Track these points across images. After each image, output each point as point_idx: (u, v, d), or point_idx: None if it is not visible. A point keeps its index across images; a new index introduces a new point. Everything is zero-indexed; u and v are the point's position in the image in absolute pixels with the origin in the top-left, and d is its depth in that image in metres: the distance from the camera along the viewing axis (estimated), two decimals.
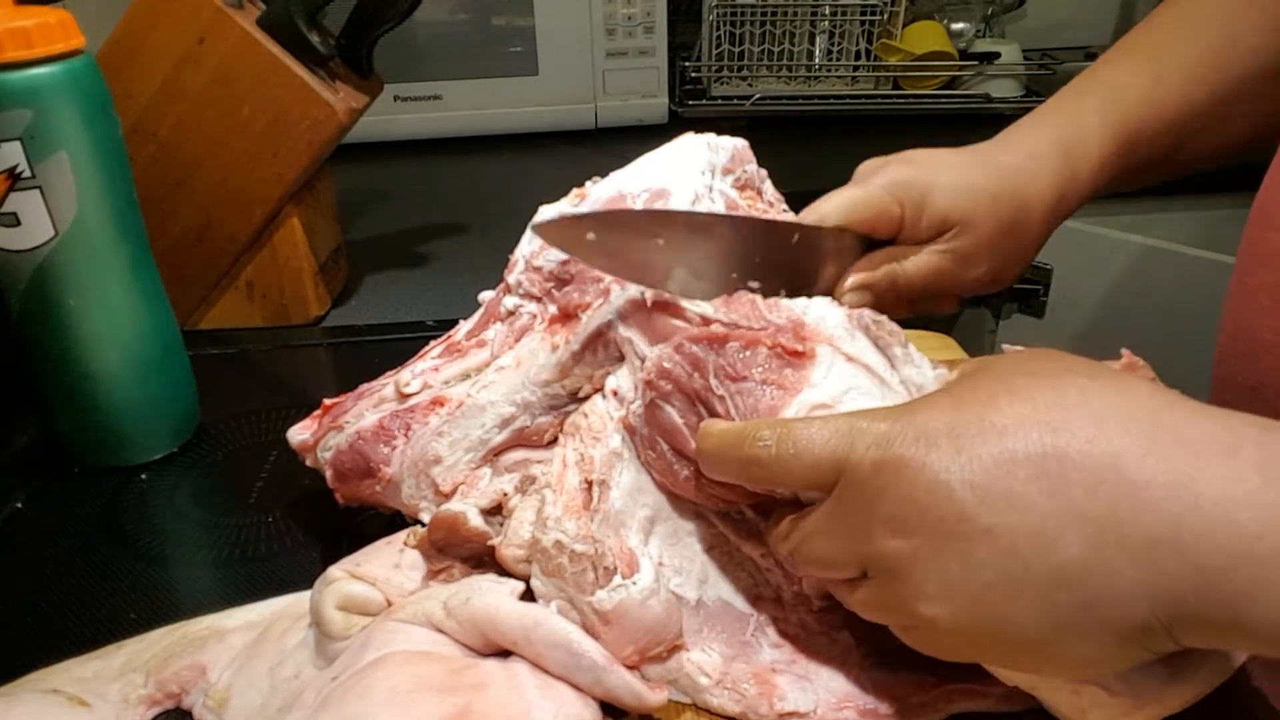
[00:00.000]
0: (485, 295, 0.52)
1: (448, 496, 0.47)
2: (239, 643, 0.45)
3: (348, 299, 0.86)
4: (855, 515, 0.35)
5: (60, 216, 0.54)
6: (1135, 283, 1.16)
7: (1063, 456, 0.31)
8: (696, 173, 0.49)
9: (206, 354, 0.73)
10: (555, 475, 0.44)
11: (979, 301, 0.57)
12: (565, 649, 0.39)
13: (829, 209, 0.50)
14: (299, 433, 0.52)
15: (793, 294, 0.46)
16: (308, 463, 0.52)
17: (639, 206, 0.47)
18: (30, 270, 0.55)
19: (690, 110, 1.33)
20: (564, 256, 0.47)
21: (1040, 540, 0.31)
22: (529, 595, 0.42)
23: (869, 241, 0.51)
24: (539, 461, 0.47)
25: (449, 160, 1.25)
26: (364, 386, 0.51)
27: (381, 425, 0.48)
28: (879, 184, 0.51)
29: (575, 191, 0.50)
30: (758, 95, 1.35)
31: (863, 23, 1.37)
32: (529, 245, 0.49)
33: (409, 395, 0.49)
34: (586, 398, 0.47)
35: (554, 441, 0.48)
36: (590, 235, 0.42)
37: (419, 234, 1.01)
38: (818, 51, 1.39)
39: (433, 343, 0.52)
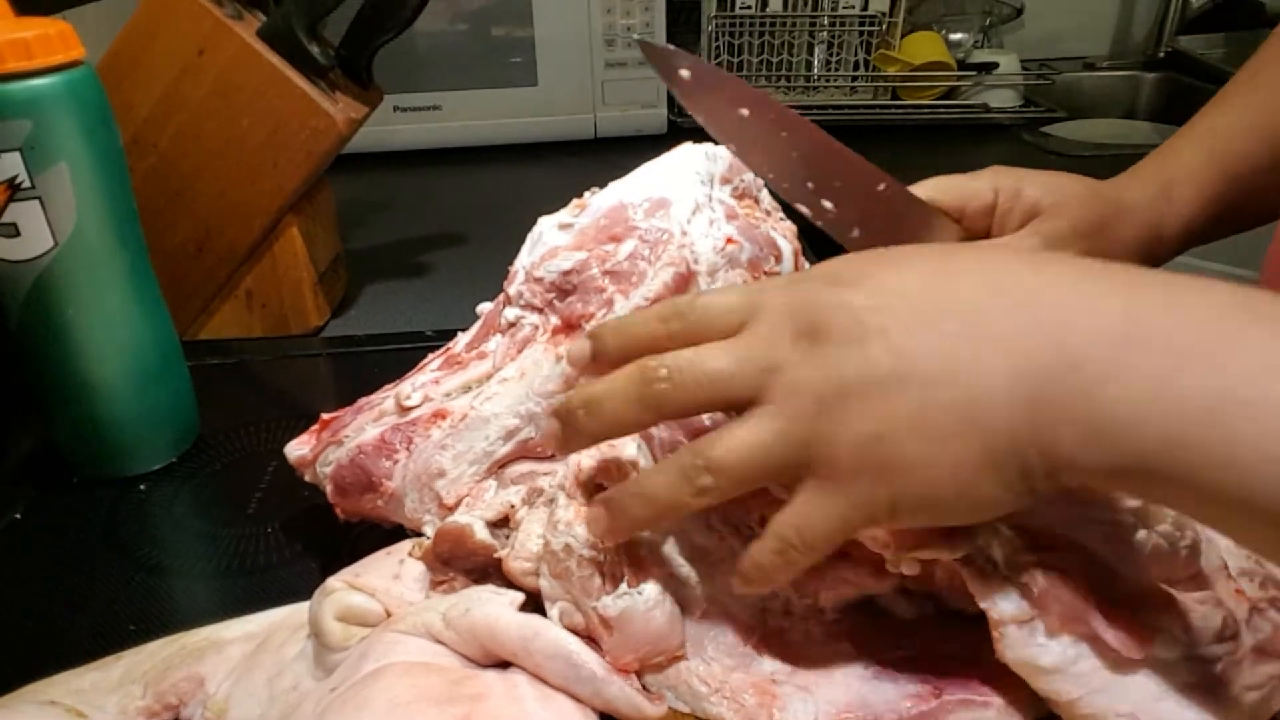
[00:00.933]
0: (484, 307, 0.52)
1: (452, 509, 0.47)
2: (237, 654, 0.44)
3: (347, 309, 0.86)
4: (765, 332, 0.36)
5: (60, 227, 0.54)
6: None
7: (951, 269, 0.35)
8: (696, 182, 0.49)
9: (206, 364, 0.73)
10: (569, 480, 0.44)
11: None
12: (565, 660, 0.39)
13: (925, 184, 0.53)
14: (297, 448, 0.52)
15: (866, 242, 0.47)
16: (306, 478, 0.51)
17: (640, 216, 0.47)
18: (30, 281, 0.55)
19: (689, 120, 1.33)
20: (566, 267, 0.47)
21: (918, 342, 0.34)
22: (529, 606, 0.42)
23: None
24: (545, 474, 0.47)
25: (448, 170, 1.26)
26: (363, 400, 0.51)
27: (383, 439, 0.48)
28: (976, 174, 0.55)
29: (575, 202, 0.50)
30: None
31: (861, 33, 1.37)
32: (528, 256, 0.49)
33: (410, 408, 0.48)
34: None
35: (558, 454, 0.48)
36: (684, 73, 0.47)
37: (418, 244, 1.01)
38: (816, 62, 1.40)
39: (431, 355, 0.52)
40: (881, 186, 0.50)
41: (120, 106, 0.60)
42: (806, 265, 0.53)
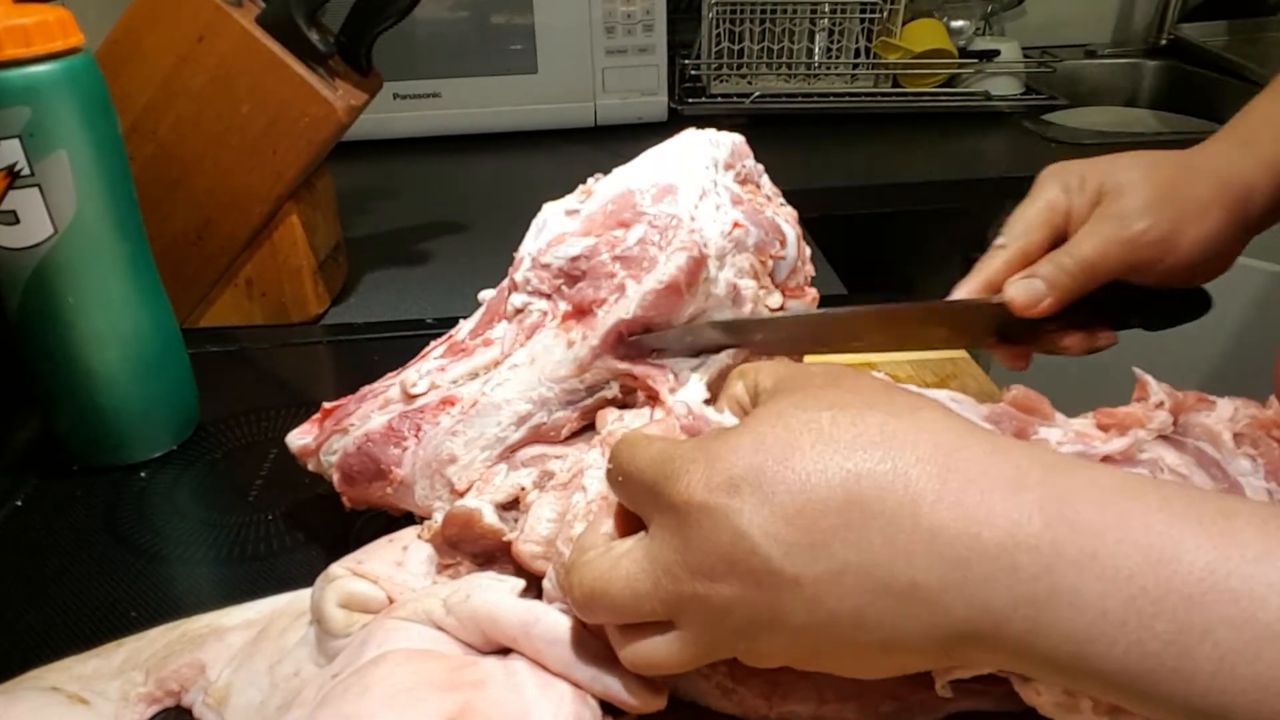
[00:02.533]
0: (486, 294, 0.52)
1: (463, 495, 0.47)
2: (238, 641, 0.45)
3: (347, 297, 0.86)
4: (662, 557, 0.35)
5: (59, 215, 0.54)
6: None
7: (864, 506, 0.31)
8: (701, 168, 0.49)
9: (206, 352, 0.73)
10: (591, 502, 0.43)
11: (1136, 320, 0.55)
12: (565, 647, 0.39)
13: (1011, 232, 0.52)
14: (299, 437, 0.52)
15: None
16: (310, 467, 0.51)
17: (648, 202, 0.47)
18: (29, 268, 0.55)
19: (690, 108, 1.33)
20: (574, 252, 0.47)
21: (840, 588, 0.32)
22: (530, 593, 0.42)
23: None
24: (556, 457, 0.47)
25: (448, 158, 1.25)
26: (366, 389, 0.51)
27: (391, 427, 0.48)
28: (1037, 185, 0.54)
29: (581, 188, 0.50)
30: (757, 93, 1.35)
31: (862, 20, 1.37)
32: (534, 242, 0.49)
33: (416, 396, 0.48)
34: (605, 396, 0.47)
35: (572, 437, 0.48)
36: None
37: (419, 232, 1.01)
38: (817, 49, 1.39)
39: (434, 342, 0.52)
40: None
41: (120, 94, 0.60)
42: (808, 250, 0.53)
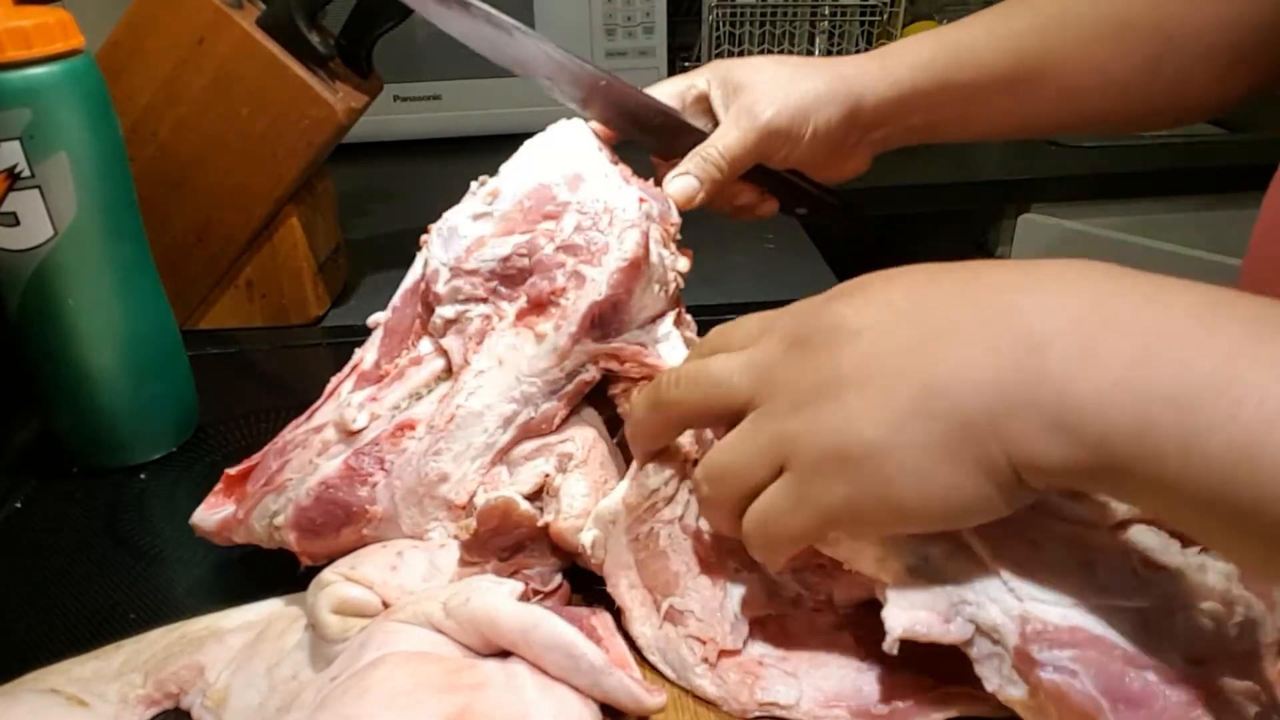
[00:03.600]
0: (378, 317, 0.52)
1: (464, 508, 0.47)
2: (237, 643, 0.45)
3: (347, 299, 0.86)
4: (760, 355, 0.38)
5: (59, 216, 0.54)
6: None
7: (932, 272, 0.35)
8: (593, 153, 0.51)
9: (206, 354, 0.73)
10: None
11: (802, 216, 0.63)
12: (564, 651, 0.39)
13: (651, 89, 0.58)
14: (212, 513, 0.49)
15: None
16: (236, 539, 0.48)
17: (565, 191, 0.49)
18: (29, 270, 0.55)
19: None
20: (504, 253, 0.48)
21: (893, 334, 0.34)
22: (529, 596, 0.42)
23: None
24: (563, 441, 0.48)
25: (448, 160, 1.25)
26: (278, 441, 0.49)
27: (349, 467, 0.46)
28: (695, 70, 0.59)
29: (483, 192, 0.51)
30: None
31: (862, 23, 1.37)
32: (445, 253, 0.49)
33: (358, 431, 0.47)
34: (584, 379, 0.48)
35: (561, 425, 0.49)
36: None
37: (418, 234, 1.00)
38: (817, 52, 1.39)
39: (334, 379, 0.50)
40: (603, 83, 0.55)
41: (120, 96, 0.60)
42: None
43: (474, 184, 0.52)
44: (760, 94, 0.55)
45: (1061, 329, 0.30)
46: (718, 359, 0.39)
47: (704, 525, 0.44)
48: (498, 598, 0.41)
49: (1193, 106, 0.59)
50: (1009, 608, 0.34)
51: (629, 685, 0.39)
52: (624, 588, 0.44)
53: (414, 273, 0.52)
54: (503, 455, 0.48)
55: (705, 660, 0.42)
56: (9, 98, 0.51)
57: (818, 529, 0.36)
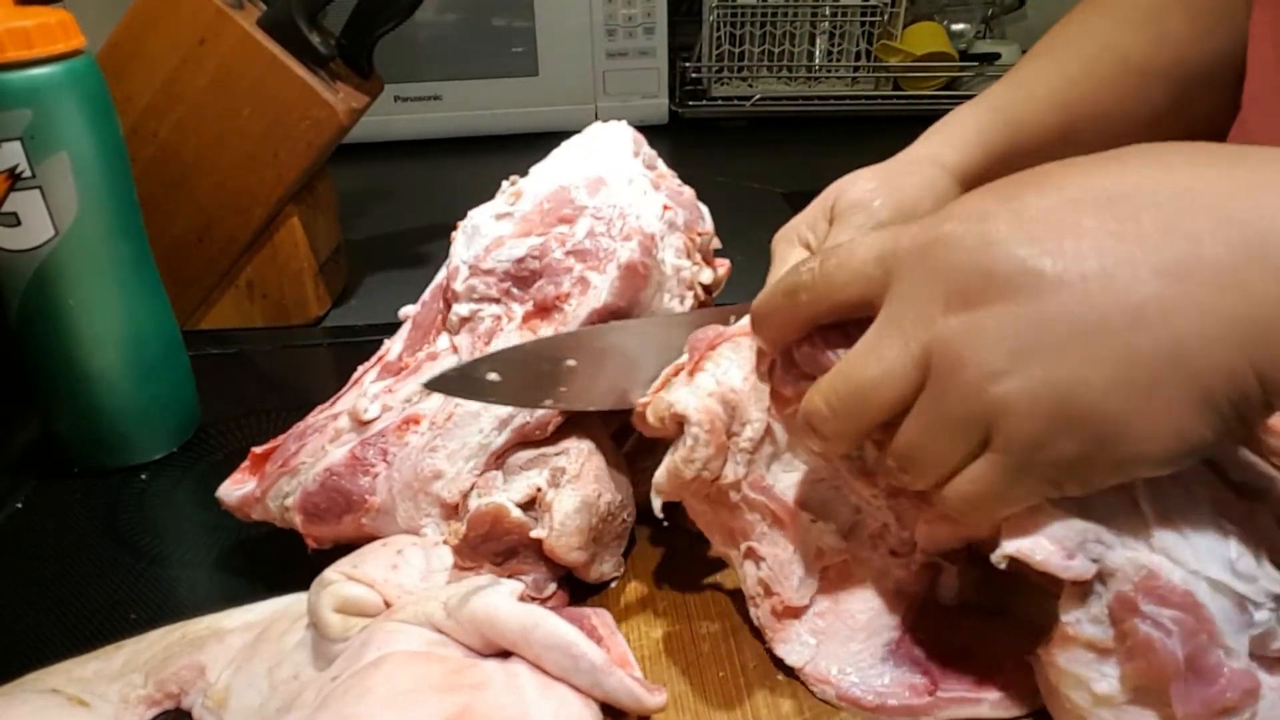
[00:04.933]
0: (408, 310, 0.52)
1: (455, 507, 0.47)
2: (238, 643, 0.45)
3: (348, 299, 0.86)
4: (910, 309, 0.32)
5: (60, 216, 0.54)
6: None
7: (1131, 194, 0.29)
8: (622, 157, 0.50)
9: (206, 354, 0.73)
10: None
11: None
12: (564, 651, 0.39)
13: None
14: (235, 489, 0.50)
15: None
16: (255, 516, 0.50)
17: (584, 195, 0.48)
18: (30, 270, 0.55)
19: (690, 111, 1.33)
20: (519, 254, 0.48)
21: (1115, 283, 0.29)
22: (529, 596, 0.42)
23: None
24: (558, 454, 0.47)
25: (449, 160, 1.25)
26: (298, 427, 0.50)
27: (354, 456, 0.47)
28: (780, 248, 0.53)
29: (508, 192, 0.51)
30: (758, 96, 1.35)
31: (863, 23, 1.37)
32: (468, 251, 0.49)
33: (369, 421, 0.48)
34: None
35: (558, 434, 0.48)
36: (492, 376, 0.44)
37: (419, 234, 1.01)
38: (818, 52, 1.39)
39: (361, 368, 0.51)
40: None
41: (121, 96, 0.60)
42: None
43: (505, 183, 0.52)
44: (862, 198, 0.52)
45: None
46: (854, 355, 0.34)
47: (773, 481, 0.43)
48: (498, 597, 0.41)
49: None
50: (1138, 556, 0.33)
51: (629, 685, 0.39)
52: (702, 525, 0.45)
53: (444, 268, 0.52)
54: (498, 457, 0.48)
55: (771, 608, 0.43)
56: (10, 98, 0.51)
57: (1040, 495, 0.33)
